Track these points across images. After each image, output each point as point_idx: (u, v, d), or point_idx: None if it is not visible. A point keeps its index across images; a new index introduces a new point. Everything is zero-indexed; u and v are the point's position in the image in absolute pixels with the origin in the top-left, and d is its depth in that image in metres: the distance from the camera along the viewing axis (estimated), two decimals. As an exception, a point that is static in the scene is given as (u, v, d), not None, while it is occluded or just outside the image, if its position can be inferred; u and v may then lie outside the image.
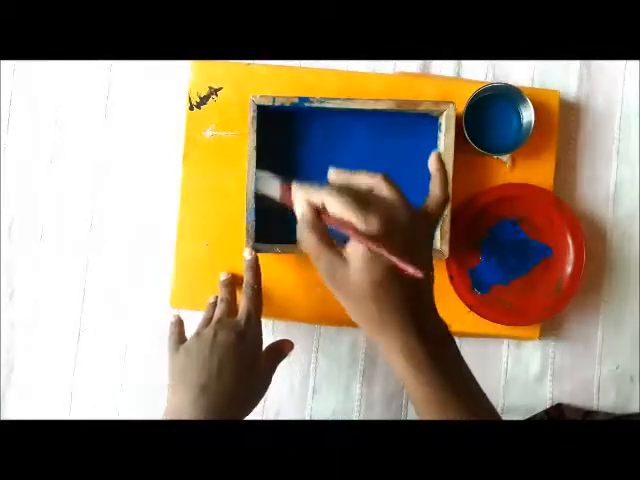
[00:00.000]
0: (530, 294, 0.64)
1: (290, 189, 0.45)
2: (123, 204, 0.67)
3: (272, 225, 0.60)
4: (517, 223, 0.64)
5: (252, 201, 0.59)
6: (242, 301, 0.57)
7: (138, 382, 0.66)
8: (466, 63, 0.66)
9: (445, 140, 0.60)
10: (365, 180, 0.43)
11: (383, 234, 0.39)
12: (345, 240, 0.41)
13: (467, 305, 0.63)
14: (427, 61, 0.66)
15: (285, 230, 0.57)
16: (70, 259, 0.67)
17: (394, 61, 0.66)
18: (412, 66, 0.66)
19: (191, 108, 0.64)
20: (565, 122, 0.66)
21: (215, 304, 0.60)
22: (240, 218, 0.59)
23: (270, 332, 0.65)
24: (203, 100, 0.63)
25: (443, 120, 0.60)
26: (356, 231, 0.39)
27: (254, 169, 0.59)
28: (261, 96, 0.59)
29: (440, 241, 0.60)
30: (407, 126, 0.62)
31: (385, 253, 0.38)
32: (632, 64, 0.67)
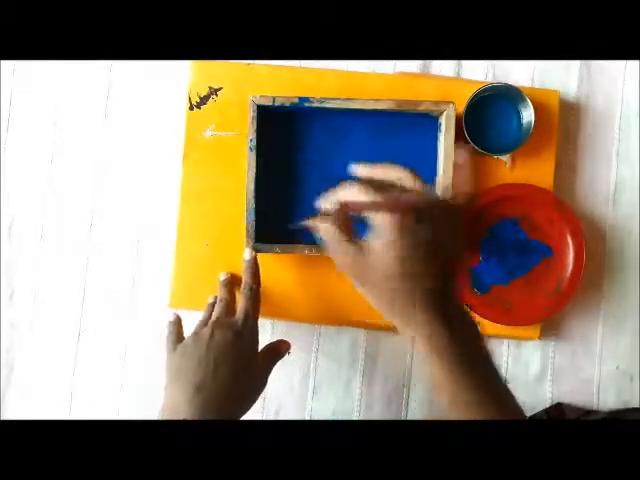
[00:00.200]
0: (530, 294, 0.64)
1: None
2: (123, 204, 0.67)
3: (272, 225, 0.60)
4: (517, 223, 0.64)
5: (252, 201, 0.59)
6: (240, 301, 0.57)
7: (138, 382, 0.66)
8: (466, 63, 0.66)
9: (445, 140, 0.60)
10: (389, 172, 0.43)
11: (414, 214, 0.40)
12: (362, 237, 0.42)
13: (467, 305, 0.63)
14: (427, 61, 0.66)
15: (285, 230, 0.57)
16: (70, 259, 0.67)
17: (394, 61, 0.66)
18: (412, 66, 0.66)
19: (191, 108, 0.64)
20: (565, 122, 0.66)
21: (214, 304, 0.60)
22: (240, 218, 0.59)
23: (270, 332, 0.65)
24: (203, 100, 0.63)
25: (443, 120, 0.60)
26: (388, 200, 0.40)
27: (254, 169, 0.59)
28: (261, 96, 0.59)
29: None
30: (407, 126, 0.62)
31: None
32: (632, 64, 0.67)
